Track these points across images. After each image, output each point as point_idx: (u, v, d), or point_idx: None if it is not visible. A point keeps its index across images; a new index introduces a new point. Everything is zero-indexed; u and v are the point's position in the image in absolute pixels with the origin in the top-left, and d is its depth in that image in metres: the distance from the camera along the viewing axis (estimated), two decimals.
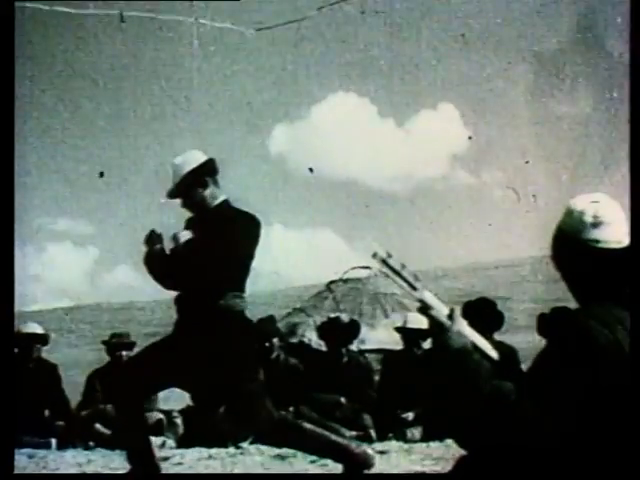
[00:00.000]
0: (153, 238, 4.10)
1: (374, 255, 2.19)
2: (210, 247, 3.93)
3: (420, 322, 6.26)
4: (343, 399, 6.57)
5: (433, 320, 2.19)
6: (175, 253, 4.01)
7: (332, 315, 7.39)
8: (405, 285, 2.20)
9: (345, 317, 7.22)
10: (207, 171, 4.10)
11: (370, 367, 6.92)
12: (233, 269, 4.00)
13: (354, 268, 8.87)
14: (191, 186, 4.07)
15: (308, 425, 4.22)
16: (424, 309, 2.20)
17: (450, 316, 2.18)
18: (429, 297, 2.21)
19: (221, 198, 4.12)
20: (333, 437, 4.28)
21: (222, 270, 3.95)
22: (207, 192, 4.07)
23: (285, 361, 6.73)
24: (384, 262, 2.19)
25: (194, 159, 4.12)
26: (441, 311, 2.19)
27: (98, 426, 6.26)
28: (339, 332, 6.79)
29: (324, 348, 7.01)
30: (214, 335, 3.96)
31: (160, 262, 4.07)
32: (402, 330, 6.65)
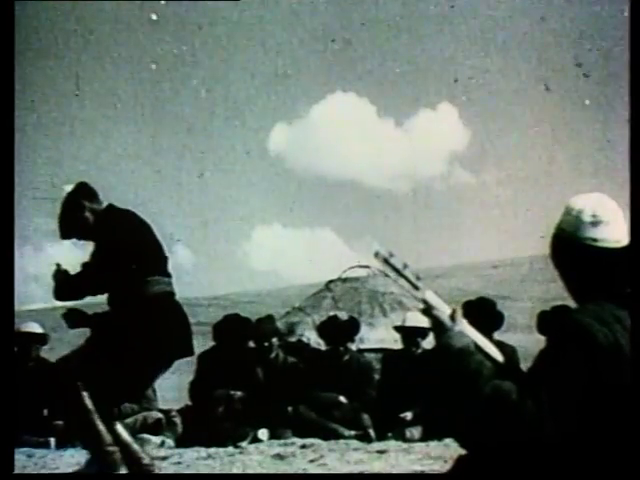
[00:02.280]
0: (59, 273, 4.30)
1: (376, 254, 2.17)
2: (100, 252, 4.16)
3: (419, 321, 6.26)
4: (342, 398, 6.56)
5: (435, 320, 2.18)
6: (81, 271, 4.25)
7: (331, 314, 7.39)
8: (407, 285, 2.18)
9: (344, 315, 7.21)
10: (81, 195, 4.27)
11: (369, 366, 6.91)
12: (131, 261, 4.13)
13: (353, 267, 8.86)
14: (72, 217, 4.27)
15: None
16: (426, 309, 2.19)
17: (452, 316, 2.17)
18: (431, 296, 2.19)
19: (102, 207, 4.31)
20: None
21: (125, 265, 4.11)
22: (87, 214, 4.26)
23: (284, 360, 6.73)
24: (386, 261, 2.17)
25: (65, 191, 4.32)
26: (443, 311, 2.18)
27: None
28: (338, 331, 6.78)
29: (323, 347, 7.00)
30: (141, 321, 4.08)
31: (70, 285, 4.30)
32: (401, 329, 6.64)
